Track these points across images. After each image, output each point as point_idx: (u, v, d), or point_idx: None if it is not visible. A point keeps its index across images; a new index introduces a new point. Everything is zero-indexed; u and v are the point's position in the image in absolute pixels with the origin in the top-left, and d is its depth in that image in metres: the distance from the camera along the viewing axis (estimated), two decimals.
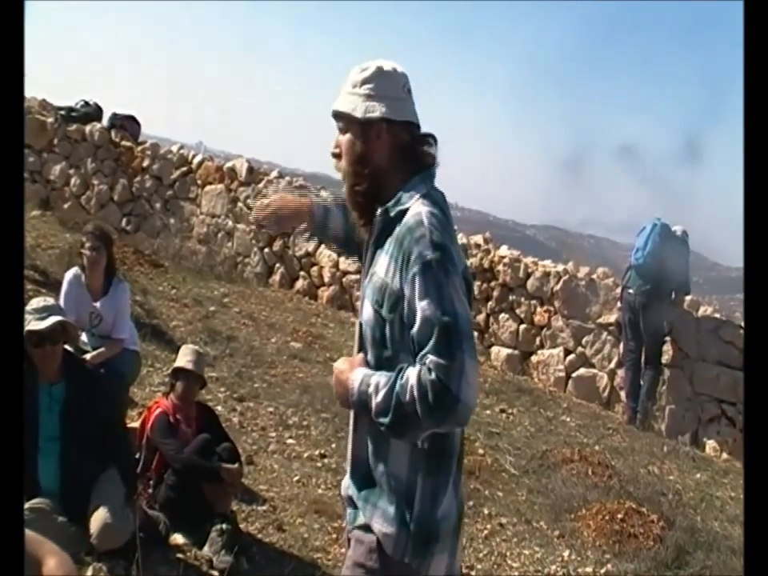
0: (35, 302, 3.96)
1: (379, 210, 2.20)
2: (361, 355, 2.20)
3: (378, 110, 2.17)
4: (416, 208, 2.11)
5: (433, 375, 1.94)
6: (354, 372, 2.14)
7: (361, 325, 2.21)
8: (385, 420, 2.02)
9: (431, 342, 1.97)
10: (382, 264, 2.13)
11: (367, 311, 2.16)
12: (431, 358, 1.95)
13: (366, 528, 2.20)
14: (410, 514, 2.13)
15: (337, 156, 2.26)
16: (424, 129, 2.26)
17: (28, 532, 3.01)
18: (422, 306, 1.99)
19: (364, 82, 2.21)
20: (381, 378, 2.06)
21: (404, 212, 2.13)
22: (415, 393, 1.95)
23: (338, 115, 2.24)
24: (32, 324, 3.80)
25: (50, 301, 4.08)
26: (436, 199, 2.17)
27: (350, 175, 2.23)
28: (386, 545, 2.15)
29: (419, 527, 2.13)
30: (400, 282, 2.06)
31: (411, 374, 1.98)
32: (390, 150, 2.19)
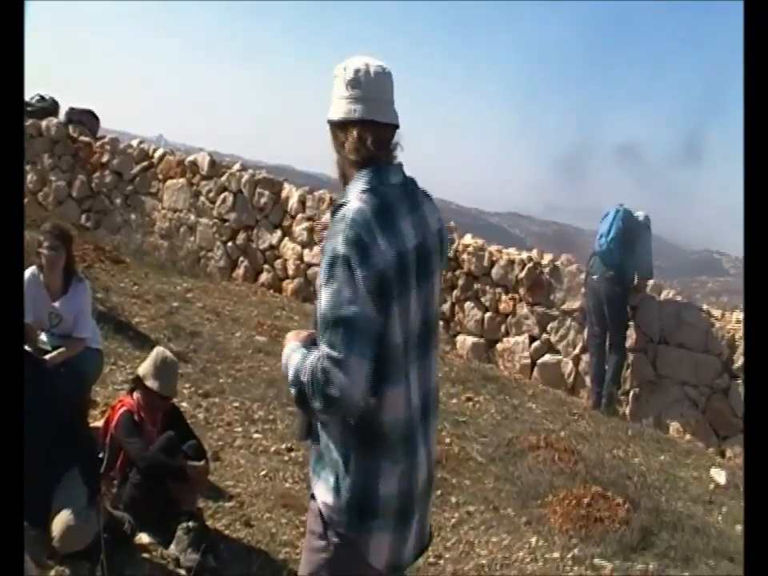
0: None
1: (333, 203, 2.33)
2: (311, 331, 2.33)
3: (341, 113, 2.29)
4: (351, 203, 2.19)
5: (322, 364, 2.09)
6: (288, 344, 2.33)
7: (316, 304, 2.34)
8: (292, 392, 2.20)
9: (326, 333, 2.10)
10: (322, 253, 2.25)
11: (318, 293, 2.27)
12: (323, 347, 2.10)
13: (314, 496, 2.33)
14: (344, 484, 2.22)
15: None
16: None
17: None
18: (322, 298, 2.13)
19: (334, 84, 2.33)
20: (298, 354, 2.22)
21: (343, 205, 2.21)
22: (308, 376, 2.11)
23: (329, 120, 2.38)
24: None
25: None
26: (379, 194, 2.22)
27: (338, 172, 2.39)
28: (325, 513, 2.26)
29: (352, 499, 2.22)
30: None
31: (311, 358, 2.14)
32: (356, 147, 2.27)
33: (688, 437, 7.71)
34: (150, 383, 4.36)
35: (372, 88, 2.27)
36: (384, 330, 2.15)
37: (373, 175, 2.24)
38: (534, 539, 5.13)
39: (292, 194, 10.52)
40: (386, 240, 2.15)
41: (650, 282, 8.49)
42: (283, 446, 5.67)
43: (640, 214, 8.54)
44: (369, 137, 2.25)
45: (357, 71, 2.28)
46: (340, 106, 2.28)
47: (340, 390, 2.06)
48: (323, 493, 2.26)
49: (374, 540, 2.24)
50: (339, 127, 2.29)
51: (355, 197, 2.20)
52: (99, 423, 4.73)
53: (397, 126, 2.34)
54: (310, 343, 2.26)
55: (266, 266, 10.52)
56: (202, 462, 4.38)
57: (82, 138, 11.68)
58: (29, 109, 11.83)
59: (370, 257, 2.11)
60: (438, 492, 5.46)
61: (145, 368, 4.44)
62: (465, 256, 9.36)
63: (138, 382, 4.46)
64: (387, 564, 2.28)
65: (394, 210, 2.22)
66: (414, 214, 2.28)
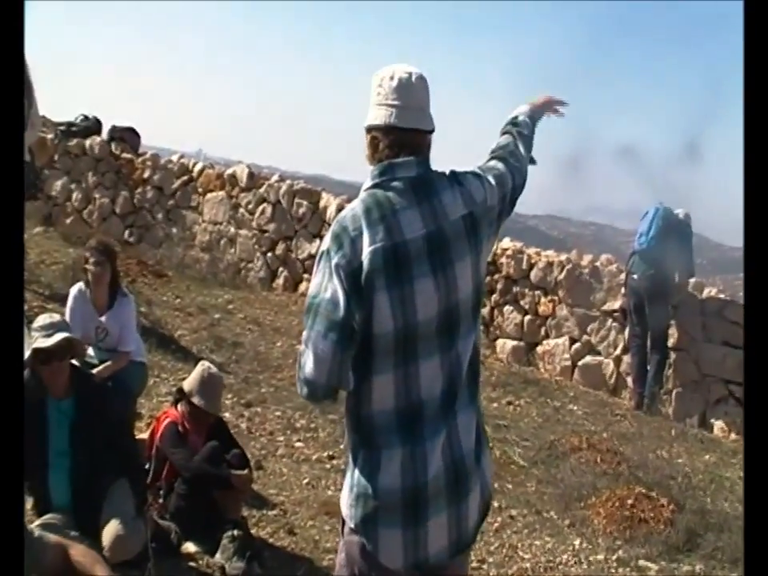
0: (41, 319, 4.00)
1: None
2: None
3: (367, 119, 2.36)
4: (352, 203, 2.32)
5: (299, 350, 2.27)
6: None
7: None
8: None
9: (304, 321, 2.23)
10: None
11: None
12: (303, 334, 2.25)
13: None
14: (352, 477, 2.28)
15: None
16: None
17: (49, 535, 3.09)
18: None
19: (373, 88, 2.39)
20: None
21: None
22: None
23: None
24: (39, 341, 3.85)
25: (56, 317, 4.11)
26: (381, 189, 2.27)
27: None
28: (342, 508, 2.32)
29: (358, 493, 2.25)
30: None
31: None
32: (373, 152, 2.35)
33: (733, 436, 7.61)
34: (197, 400, 4.43)
35: (396, 93, 2.30)
36: (368, 320, 2.17)
37: (377, 173, 2.30)
38: (577, 541, 5.12)
39: (330, 203, 10.60)
40: (371, 232, 2.19)
41: (692, 281, 8.41)
42: (325, 454, 5.74)
43: (680, 212, 8.47)
44: (383, 141, 2.31)
45: (382, 78, 2.33)
46: (369, 113, 2.35)
47: (305, 374, 2.19)
48: (343, 491, 2.33)
49: (381, 537, 2.23)
50: (366, 132, 2.36)
51: (359, 197, 2.30)
52: (145, 435, 4.85)
53: (427, 132, 2.36)
54: None
55: (305, 276, 10.60)
56: (246, 471, 4.45)
57: (124, 154, 11.90)
58: (73, 129, 12.09)
59: (347, 248, 2.18)
60: None
61: (190, 384, 4.50)
62: (503, 260, 9.35)
63: (182, 395, 4.55)
64: (405, 564, 2.24)
65: (392, 203, 2.24)
66: (423, 204, 2.26)
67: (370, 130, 2.35)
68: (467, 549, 2.42)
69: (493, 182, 2.46)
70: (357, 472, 2.25)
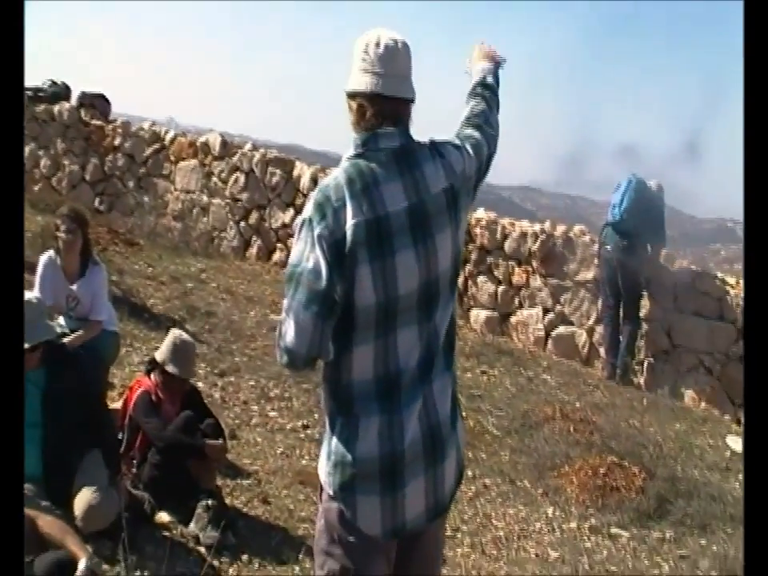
0: None
1: None
2: None
3: (351, 83, 2.32)
4: (333, 171, 2.31)
5: (279, 317, 2.27)
6: None
7: None
8: None
9: (285, 289, 2.23)
10: None
11: None
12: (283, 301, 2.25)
13: None
14: (329, 445, 2.29)
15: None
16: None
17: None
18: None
19: (356, 54, 2.34)
20: None
21: None
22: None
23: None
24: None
25: (32, 305, 3.80)
26: (364, 159, 2.25)
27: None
28: (320, 477, 2.32)
29: (336, 461, 2.26)
30: None
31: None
32: (358, 118, 2.30)
33: (704, 405, 7.70)
34: (170, 368, 4.39)
35: (382, 61, 2.27)
36: (350, 293, 2.17)
37: (360, 142, 2.27)
38: (550, 510, 5.18)
39: (304, 172, 10.51)
40: (355, 204, 2.17)
41: (664, 252, 8.46)
42: (299, 424, 5.73)
43: (653, 183, 8.49)
44: (370, 109, 2.27)
45: (368, 44, 2.29)
46: (352, 78, 2.30)
47: (285, 342, 2.19)
48: (320, 459, 2.33)
49: (359, 504, 2.24)
50: (349, 98, 2.32)
51: (341, 165, 2.27)
52: (117, 405, 4.79)
53: (410, 100, 2.33)
54: None
55: (279, 245, 10.54)
56: (220, 441, 4.43)
57: (94, 121, 11.71)
58: (40, 94, 11.87)
59: (331, 218, 2.16)
60: None
61: (162, 353, 4.47)
62: (477, 230, 9.33)
63: (155, 365, 4.51)
64: (383, 530, 2.26)
65: (374, 174, 2.22)
66: (405, 176, 2.25)
67: (354, 95, 2.30)
68: (444, 513, 2.44)
69: (471, 152, 2.44)
70: (334, 440, 2.25)
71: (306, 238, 2.17)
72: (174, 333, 4.61)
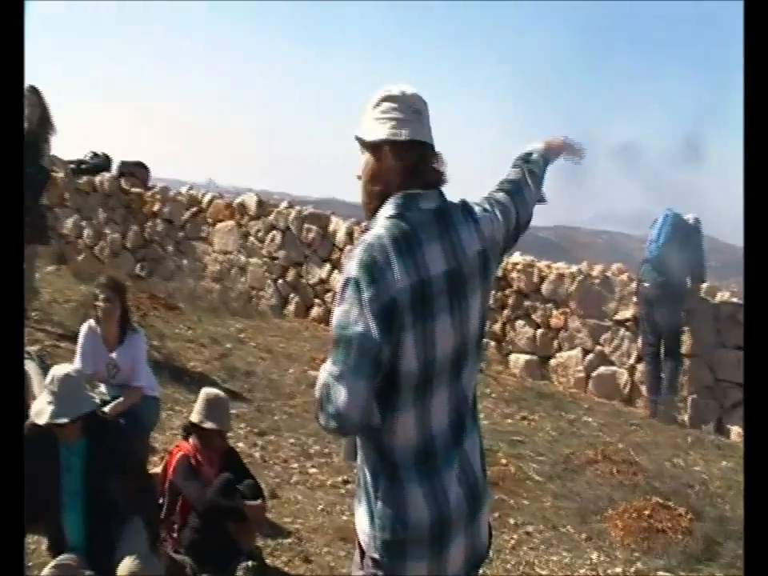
0: (57, 380, 3.87)
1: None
2: None
3: (381, 133, 2.29)
4: (374, 229, 2.23)
5: (324, 380, 2.15)
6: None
7: None
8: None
9: (331, 351, 2.15)
10: None
11: None
12: (327, 364, 2.16)
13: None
14: (376, 511, 2.24)
15: (359, 177, 2.38)
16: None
17: None
18: (333, 316, 2.18)
19: (374, 106, 2.33)
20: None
21: (367, 230, 2.27)
22: (317, 391, 2.17)
23: (357, 139, 2.37)
24: (53, 416, 3.79)
25: (72, 379, 3.94)
26: (405, 220, 2.23)
27: (363, 194, 2.36)
28: (362, 539, 2.29)
29: (383, 526, 2.23)
30: None
31: (320, 375, 2.19)
32: (395, 170, 2.28)
33: None
34: (207, 424, 4.46)
35: (408, 111, 2.30)
36: (395, 358, 2.16)
37: (401, 202, 2.25)
38: (595, 555, 5.11)
39: (339, 226, 10.67)
40: (401, 267, 2.16)
41: (704, 285, 8.39)
42: (339, 479, 5.75)
43: (690, 217, 8.45)
44: (406, 158, 2.27)
45: (391, 95, 2.31)
46: (373, 127, 2.30)
47: (335, 407, 2.10)
48: (360, 520, 2.28)
49: (409, 568, 2.23)
50: (371, 149, 2.31)
51: (380, 223, 2.23)
52: (158, 469, 4.88)
53: (431, 146, 2.35)
54: None
55: (316, 301, 10.67)
56: (259, 501, 4.48)
57: (134, 189, 12.02)
58: (83, 166, 12.25)
59: (380, 281, 2.12)
60: (496, 514, 5.47)
61: (197, 412, 4.54)
62: (514, 274, 9.37)
63: (192, 427, 4.59)
64: None
65: (418, 236, 2.22)
66: (444, 239, 2.26)
67: (383, 144, 2.28)
68: (481, 564, 2.47)
69: (500, 217, 2.46)
70: (380, 503, 2.23)
71: (353, 299, 2.12)
72: (206, 390, 4.69)
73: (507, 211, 2.50)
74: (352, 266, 2.15)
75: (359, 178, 2.38)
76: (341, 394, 2.09)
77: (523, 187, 2.63)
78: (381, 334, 2.11)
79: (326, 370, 2.14)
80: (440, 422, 2.27)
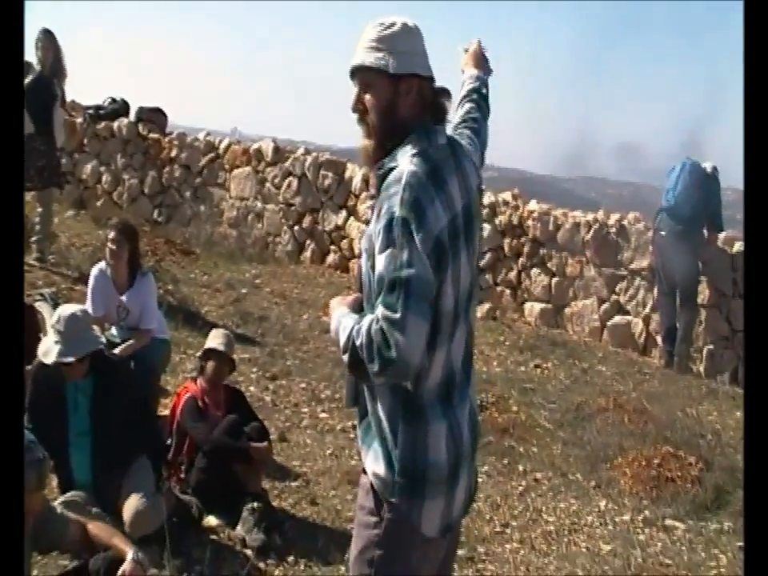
0: (63, 319, 3.94)
1: (378, 166, 2.26)
2: (355, 295, 2.32)
3: (410, 66, 2.24)
4: (403, 166, 2.17)
5: (378, 326, 2.05)
6: (336, 311, 2.28)
7: (360, 268, 2.31)
8: (345, 358, 2.16)
9: (382, 295, 2.07)
10: (373, 216, 2.21)
11: (362, 258, 2.26)
12: (380, 309, 2.07)
13: (365, 470, 2.31)
14: (395, 455, 2.21)
15: (361, 111, 2.30)
16: None
17: (70, 513, 3.20)
18: (379, 260, 2.10)
19: (392, 37, 2.25)
20: (350, 319, 2.18)
21: (393, 168, 2.19)
22: (363, 339, 2.08)
23: (361, 70, 2.28)
24: (60, 355, 3.87)
25: (78, 319, 4.01)
26: (430, 156, 2.20)
27: (378, 130, 2.28)
28: (376, 484, 2.24)
29: (404, 469, 2.20)
30: (375, 235, 2.15)
31: (365, 321, 2.11)
32: (417, 105, 2.26)
33: None
34: (214, 344, 4.66)
35: (420, 46, 2.30)
36: (438, 295, 2.13)
37: (422, 137, 2.22)
38: (603, 503, 5.11)
39: (355, 173, 10.57)
40: (440, 203, 2.13)
41: (722, 235, 8.25)
42: (349, 424, 5.75)
43: (707, 166, 8.26)
44: (428, 95, 2.27)
45: (409, 27, 2.27)
46: (397, 59, 2.23)
47: (397, 351, 2.02)
48: (374, 465, 2.25)
49: (426, 508, 2.23)
50: (393, 81, 2.23)
51: (407, 160, 2.17)
52: (167, 411, 4.92)
53: (446, 91, 2.36)
54: (358, 308, 2.25)
55: (332, 247, 10.62)
56: (265, 443, 4.51)
57: (152, 135, 11.95)
58: (101, 112, 12.18)
59: (428, 220, 2.09)
60: (505, 461, 5.50)
61: (207, 341, 4.77)
62: (530, 222, 9.25)
63: (205, 356, 4.69)
64: (440, 529, 2.27)
65: (444, 172, 2.21)
66: (459, 174, 2.26)
67: (414, 79, 2.25)
68: (473, 500, 2.49)
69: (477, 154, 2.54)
70: (400, 447, 2.20)
71: (404, 240, 2.06)
72: (216, 329, 5.07)
73: (475, 147, 2.57)
74: (394, 204, 2.09)
75: (360, 111, 2.30)
76: (403, 338, 2.02)
77: (482, 124, 2.69)
78: (435, 273, 2.09)
79: (380, 315, 2.05)
80: (458, 360, 2.28)
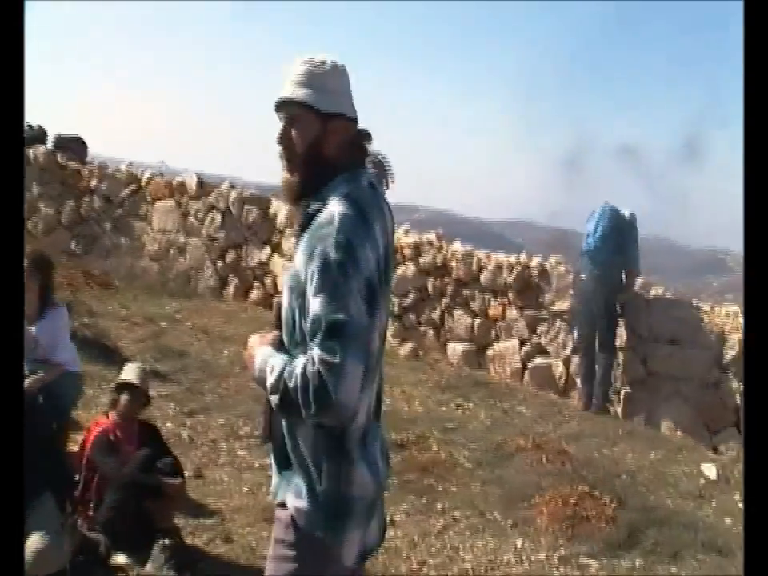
0: None
1: (304, 204, 2.27)
2: (274, 333, 2.29)
3: (338, 106, 2.26)
4: (332, 207, 2.16)
5: (314, 368, 2.03)
6: (259, 349, 2.25)
7: (279, 305, 2.29)
8: (275, 399, 2.13)
9: (318, 337, 2.05)
10: (298, 255, 2.19)
11: (284, 295, 2.24)
12: (317, 351, 2.04)
13: (283, 504, 2.28)
14: (318, 488, 2.21)
15: (285, 146, 2.29)
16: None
17: None
18: (314, 302, 2.08)
19: (323, 75, 2.26)
20: (278, 359, 2.16)
21: (321, 209, 2.19)
22: (298, 381, 2.05)
23: (289, 104, 2.27)
24: None
25: None
26: (358, 199, 2.20)
27: (303, 166, 2.28)
28: (299, 518, 2.23)
29: (328, 503, 2.21)
30: (305, 276, 2.12)
31: (299, 363, 2.08)
32: (342, 145, 2.27)
33: (680, 433, 7.65)
34: (127, 377, 4.58)
35: (347, 86, 2.31)
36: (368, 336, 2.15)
37: (351, 179, 2.24)
38: (519, 541, 5.10)
39: (280, 209, 10.55)
40: (369, 246, 2.14)
41: (639, 280, 8.47)
42: (267, 461, 5.65)
43: (626, 212, 8.50)
44: (352, 137, 2.28)
45: (338, 67, 2.29)
46: (326, 97, 2.25)
47: (336, 395, 2.01)
48: (295, 499, 2.24)
49: (347, 539, 2.24)
50: (322, 120, 2.25)
51: (336, 201, 2.17)
52: (77, 447, 4.75)
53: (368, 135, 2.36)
54: (278, 345, 2.23)
55: (256, 283, 10.54)
56: (179, 479, 4.39)
57: (71, 164, 11.73)
58: None
59: (361, 262, 2.09)
60: (424, 499, 5.46)
61: (125, 372, 4.69)
62: (453, 263, 9.35)
63: (117, 389, 4.60)
64: (357, 558, 2.29)
65: (370, 215, 2.21)
66: (380, 218, 2.26)
67: (340, 119, 2.26)
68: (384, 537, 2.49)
69: None
70: (323, 482, 2.20)
71: (340, 282, 2.06)
72: (129, 362, 4.98)
73: None
74: (328, 246, 2.08)
75: (286, 148, 2.29)
76: (341, 383, 2.02)
77: None
78: (369, 315, 2.10)
79: (317, 358, 2.02)
80: (373, 397, 2.31)
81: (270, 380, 2.13)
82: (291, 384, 2.07)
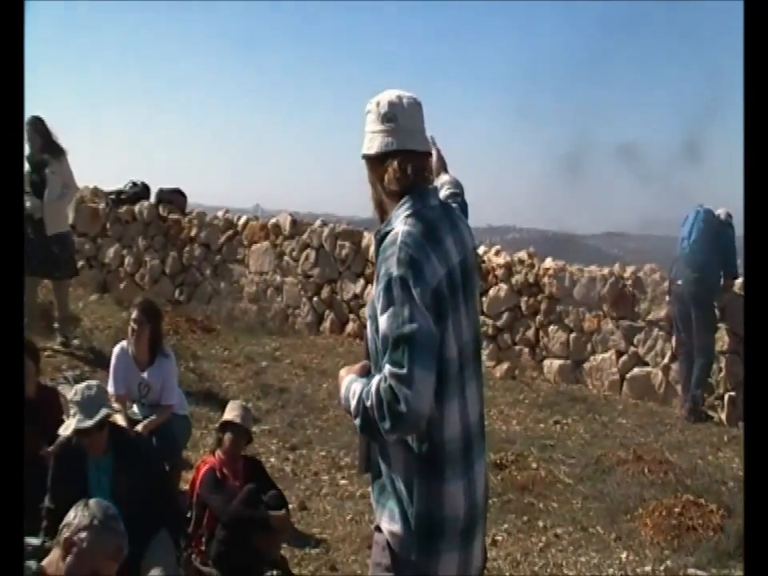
0: (80, 391, 4.16)
1: (375, 233, 2.42)
2: (362, 363, 2.42)
3: (386, 146, 2.39)
4: (398, 228, 2.30)
5: (386, 384, 2.14)
6: (345, 379, 2.38)
7: (366, 335, 2.43)
8: (357, 422, 2.25)
9: (388, 353, 2.16)
10: (376, 282, 2.33)
11: (367, 324, 2.39)
12: (387, 367, 2.15)
13: (379, 528, 2.39)
14: (410, 512, 2.28)
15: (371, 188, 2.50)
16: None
17: None
18: (381, 321, 2.20)
19: (367, 121, 2.44)
20: (358, 384, 2.28)
21: (389, 232, 2.33)
22: (374, 399, 2.17)
23: (363, 157, 2.48)
24: (78, 422, 4.06)
25: (93, 388, 4.22)
26: (424, 215, 2.33)
27: (375, 205, 2.49)
28: (393, 543, 2.32)
29: (420, 525, 2.27)
30: (377, 300, 2.26)
31: (374, 383, 2.19)
32: (399, 177, 2.37)
33: None
34: (230, 417, 4.73)
35: (406, 119, 2.40)
36: (441, 345, 2.22)
37: (415, 200, 2.35)
38: (624, 555, 5.09)
39: (372, 241, 10.75)
40: (436, 257, 2.25)
41: (738, 281, 8.28)
42: (369, 489, 5.80)
43: (721, 212, 8.34)
44: (408, 166, 2.37)
45: (391, 104, 2.40)
46: (375, 140, 2.40)
47: (406, 405, 2.10)
48: (389, 523, 2.32)
49: (442, 562, 2.30)
50: (378, 161, 2.40)
51: (400, 222, 2.30)
52: (187, 486, 5.02)
53: (430, 154, 2.51)
54: (366, 374, 2.35)
55: (351, 316, 10.75)
56: (284, 511, 4.57)
57: (171, 215, 12.24)
58: (122, 196, 12.54)
59: (425, 274, 2.20)
60: (525, 518, 5.50)
61: (224, 414, 4.84)
62: (545, 279, 9.35)
63: (221, 429, 4.79)
64: None
65: (439, 229, 2.33)
66: (454, 232, 2.39)
67: (389, 155, 2.38)
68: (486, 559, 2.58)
69: None
70: (414, 504, 2.28)
71: (404, 297, 2.16)
72: (232, 401, 5.08)
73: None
74: (391, 265, 2.21)
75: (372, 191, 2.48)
76: (411, 392, 2.10)
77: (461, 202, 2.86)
78: (435, 325, 2.20)
79: (387, 373, 2.14)
80: (474, 413, 2.37)
81: (353, 404, 2.26)
82: (368, 403, 2.19)
